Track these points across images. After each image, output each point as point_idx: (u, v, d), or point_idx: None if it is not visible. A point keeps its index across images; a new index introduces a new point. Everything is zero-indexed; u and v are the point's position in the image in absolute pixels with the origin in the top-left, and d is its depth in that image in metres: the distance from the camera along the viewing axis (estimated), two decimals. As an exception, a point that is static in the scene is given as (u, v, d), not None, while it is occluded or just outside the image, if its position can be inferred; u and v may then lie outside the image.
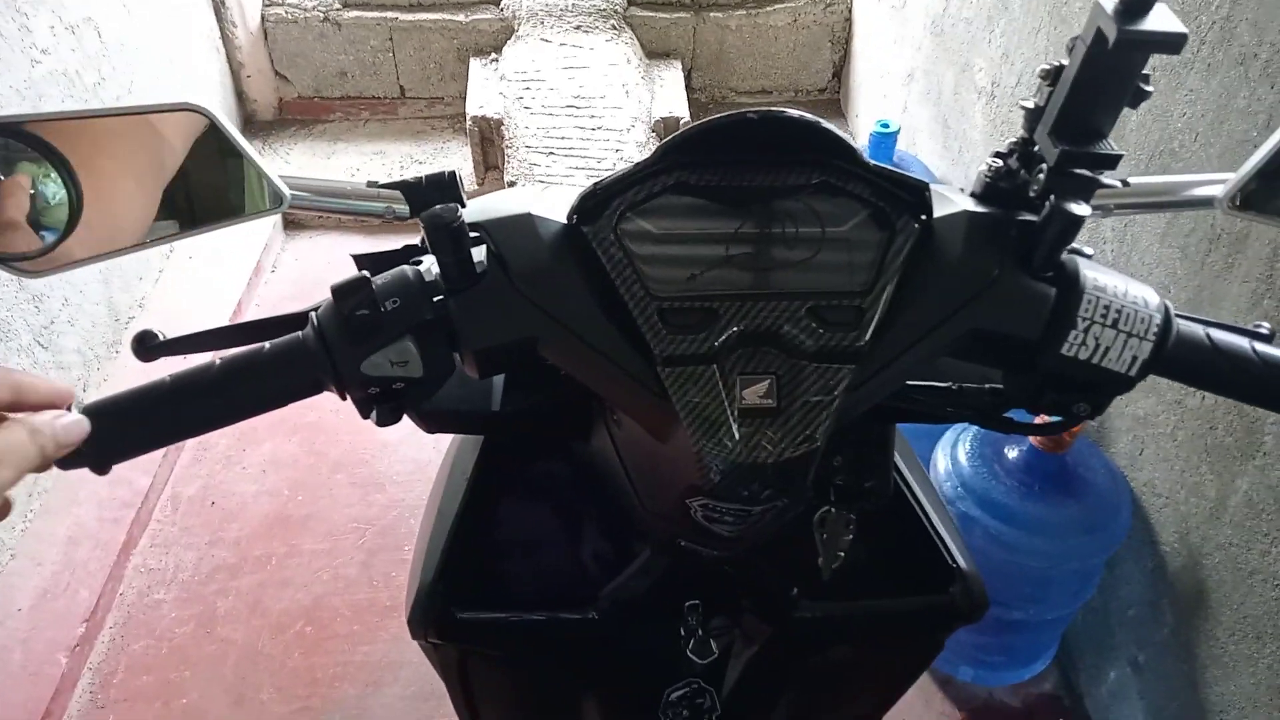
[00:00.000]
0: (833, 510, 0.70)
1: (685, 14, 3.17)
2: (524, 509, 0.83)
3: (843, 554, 0.72)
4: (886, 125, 2.08)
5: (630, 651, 0.79)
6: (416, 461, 2.19)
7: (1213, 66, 1.29)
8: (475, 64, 3.08)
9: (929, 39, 2.43)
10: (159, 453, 2.15)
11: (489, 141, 2.86)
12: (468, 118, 2.83)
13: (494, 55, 3.10)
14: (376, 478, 2.17)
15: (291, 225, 2.90)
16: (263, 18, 3.06)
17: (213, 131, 0.57)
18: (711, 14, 3.17)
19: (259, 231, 2.76)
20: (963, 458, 1.52)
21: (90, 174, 0.55)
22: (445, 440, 0.87)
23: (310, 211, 0.61)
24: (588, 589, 0.77)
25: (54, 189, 0.55)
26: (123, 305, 2.27)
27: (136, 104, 0.57)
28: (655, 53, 3.18)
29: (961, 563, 0.78)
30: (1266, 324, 0.62)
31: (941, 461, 1.55)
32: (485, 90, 2.93)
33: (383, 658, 1.81)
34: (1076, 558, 1.46)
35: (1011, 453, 1.50)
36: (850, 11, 3.16)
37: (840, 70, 3.30)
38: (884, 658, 0.85)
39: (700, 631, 0.76)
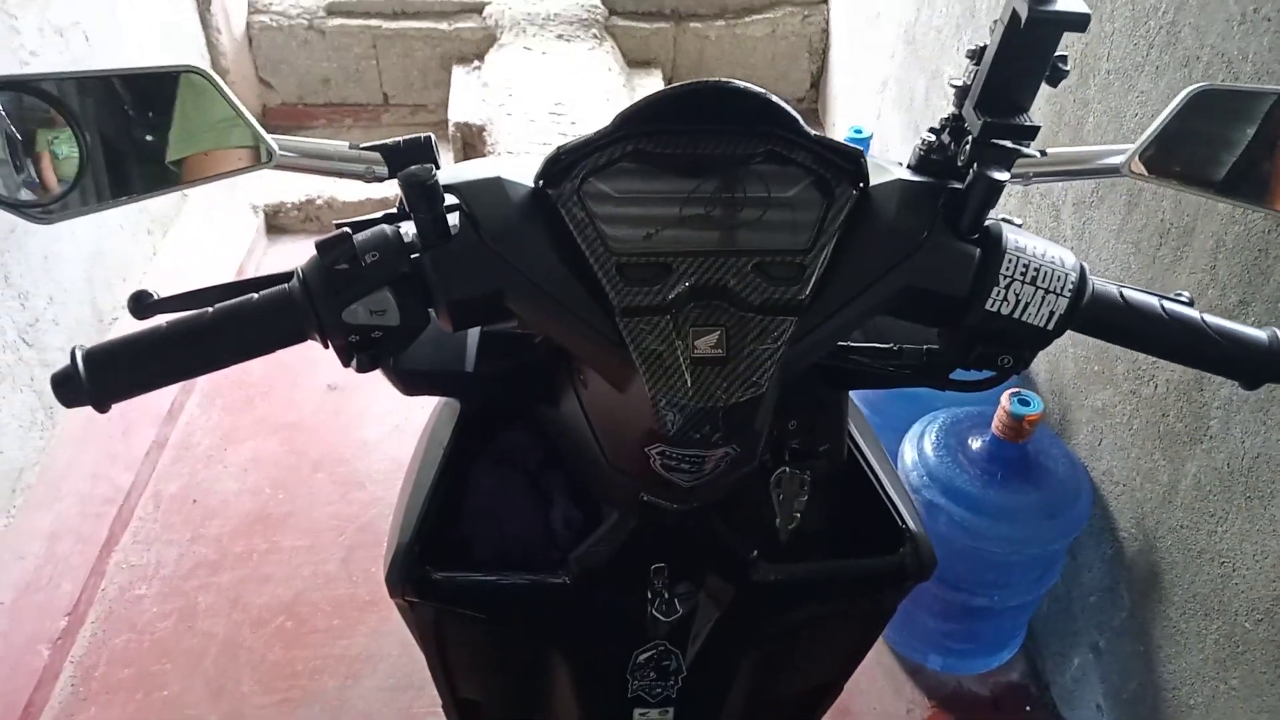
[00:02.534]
0: (788, 470, 0.75)
1: (665, 24, 3.23)
2: (498, 478, 0.86)
3: (799, 514, 0.76)
4: (860, 131, 2.13)
5: (599, 615, 0.82)
6: (396, 460, 2.21)
7: (1160, 69, 1.35)
8: (458, 71, 3.12)
9: (902, 48, 2.49)
10: (141, 450, 2.17)
11: (471, 147, 2.90)
12: (450, 124, 2.87)
13: (476, 63, 3.15)
14: (357, 476, 2.19)
15: (274, 230, 2.93)
16: (247, 25, 3.10)
17: (210, 92, 0.63)
18: (691, 24, 3.23)
19: (242, 235, 2.78)
20: (928, 448, 1.57)
21: (97, 129, 0.61)
22: None
23: (296, 170, 0.66)
24: (558, 554, 0.81)
25: (65, 143, 0.61)
26: (106, 305, 2.28)
27: (143, 66, 0.62)
28: (636, 61, 3.24)
29: (911, 525, 0.82)
30: (1186, 293, 0.67)
31: (909, 453, 1.59)
32: (468, 97, 2.98)
33: (361, 651, 1.83)
34: (1037, 543, 1.51)
35: (975, 443, 1.54)
36: (828, 23, 3.23)
37: (818, 80, 3.37)
38: (841, 618, 0.89)
39: (665, 594, 0.79)
